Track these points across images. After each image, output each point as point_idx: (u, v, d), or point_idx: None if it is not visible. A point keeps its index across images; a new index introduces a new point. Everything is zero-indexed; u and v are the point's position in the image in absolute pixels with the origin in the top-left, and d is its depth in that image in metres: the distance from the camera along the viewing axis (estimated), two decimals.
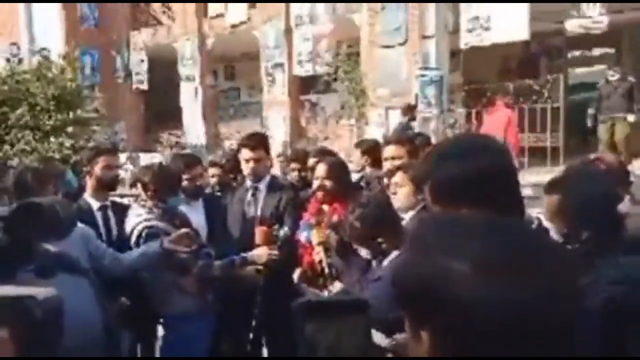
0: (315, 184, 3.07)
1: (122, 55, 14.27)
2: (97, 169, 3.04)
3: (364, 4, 10.23)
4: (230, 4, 12.57)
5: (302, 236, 2.97)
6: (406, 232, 2.23)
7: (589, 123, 8.50)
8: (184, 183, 3.26)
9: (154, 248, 2.74)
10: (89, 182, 3.09)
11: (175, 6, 13.66)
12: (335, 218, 2.77)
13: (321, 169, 3.05)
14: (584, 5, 8.74)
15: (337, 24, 10.72)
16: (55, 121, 9.61)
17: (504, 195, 1.12)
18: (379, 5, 9.96)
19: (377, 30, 10.04)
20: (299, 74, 11.58)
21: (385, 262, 2.19)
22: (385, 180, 2.90)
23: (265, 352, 3.41)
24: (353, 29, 10.50)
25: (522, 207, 1.21)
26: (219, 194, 3.80)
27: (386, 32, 9.86)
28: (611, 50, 11.96)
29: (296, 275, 2.89)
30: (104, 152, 3.19)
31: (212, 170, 4.06)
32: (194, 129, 13.51)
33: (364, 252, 2.33)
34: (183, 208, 3.17)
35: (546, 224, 1.66)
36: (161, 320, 3.12)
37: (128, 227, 2.97)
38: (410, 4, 9.58)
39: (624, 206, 1.69)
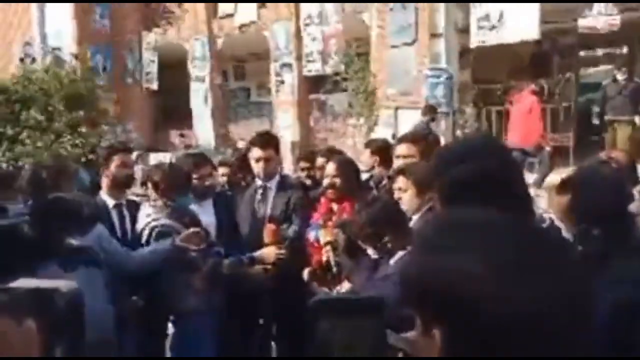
0: (325, 182, 3.07)
1: (133, 55, 14.34)
2: (113, 167, 3.06)
3: (373, 4, 10.21)
4: (240, 4, 12.60)
5: (311, 235, 2.98)
6: (413, 232, 2.22)
7: (596, 121, 8.40)
8: (194, 182, 3.28)
9: (164, 246, 2.76)
10: (104, 180, 3.10)
11: (185, 6, 13.71)
12: (344, 217, 2.78)
13: (331, 167, 3.06)
14: (596, 3, 8.65)
15: (346, 23, 10.70)
16: (68, 120, 9.70)
17: (511, 195, 1.13)
18: (388, 4, 9.93)
19: (386, 30, 10.01)
20: (308, 73, 11.59)
21: (392, 262, 2.19)
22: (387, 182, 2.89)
23: (274, 351, 3.42)
24: (362, 29, 10.48)
25: (531, 206, 1.21)
26: (229, 193, 3.81)
27: (395, 32, 9.82)
28: (624, 50, 11.84)
29: (306, 274, 2.91)
30: (119, 150, 3.21)
31: (221, 170, 4.08)
32: (203, 129, 13.56)
33: (371, 251, 2.33)
34: (193, 207, 3.19)
35: (558, 223, 1.65)
36: (171, 317, 3.14)
37: (138, 227, 3.00)
38: (420, 4, 9.54)
39: (634, 206, 1.68)
